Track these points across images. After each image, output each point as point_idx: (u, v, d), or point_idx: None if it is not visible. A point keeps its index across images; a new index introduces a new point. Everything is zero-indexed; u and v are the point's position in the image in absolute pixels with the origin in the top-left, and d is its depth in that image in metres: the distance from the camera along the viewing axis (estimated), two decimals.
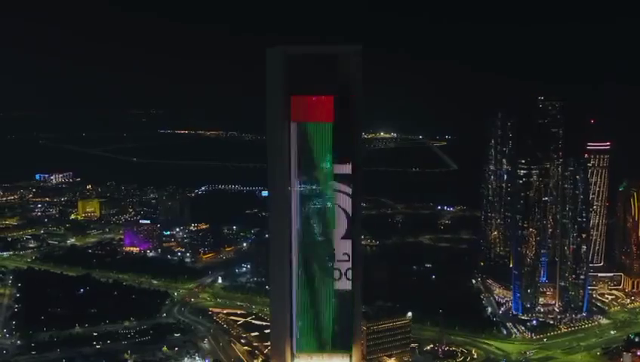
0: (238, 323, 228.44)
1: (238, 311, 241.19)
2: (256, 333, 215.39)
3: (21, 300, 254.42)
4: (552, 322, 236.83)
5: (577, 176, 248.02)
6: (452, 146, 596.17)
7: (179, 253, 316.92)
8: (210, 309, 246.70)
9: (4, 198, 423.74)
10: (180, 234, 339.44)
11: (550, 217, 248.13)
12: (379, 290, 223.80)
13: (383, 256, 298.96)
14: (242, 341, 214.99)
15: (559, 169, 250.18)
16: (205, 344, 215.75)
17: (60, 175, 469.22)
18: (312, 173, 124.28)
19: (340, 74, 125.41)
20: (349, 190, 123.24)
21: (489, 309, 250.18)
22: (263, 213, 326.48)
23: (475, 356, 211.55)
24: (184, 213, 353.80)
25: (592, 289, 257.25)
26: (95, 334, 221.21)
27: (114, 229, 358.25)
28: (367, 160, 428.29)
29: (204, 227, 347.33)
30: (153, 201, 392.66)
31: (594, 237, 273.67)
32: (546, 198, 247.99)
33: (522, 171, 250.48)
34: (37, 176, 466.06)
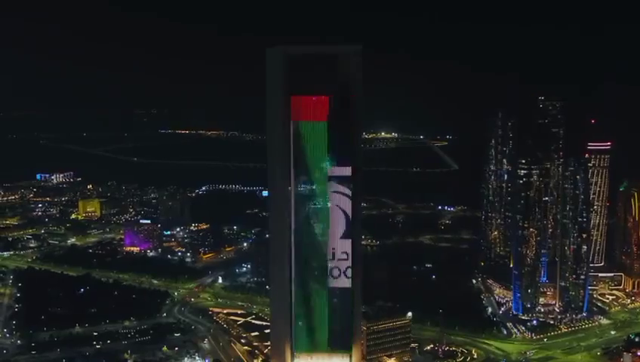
0: (238, 323, 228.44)
1: (238, 311, 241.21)
2: (257, 333, 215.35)
3: (21, 300, 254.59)
4: (552, 322, 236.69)
5: (578, 176, 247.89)
6: (453, 146, 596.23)
7: (179, 253, 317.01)
8: (211, 309, 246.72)
9: (5, 198, 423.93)
10: (181, 234, 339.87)
11: (550, 217, 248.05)
12: (379, 290, 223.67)
13: (384, 255, 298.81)
14: (242, 341, 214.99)
15: (560, 169, 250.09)
16: (205, 344, 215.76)
17: (61, 175, 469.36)
18: (307, 172, 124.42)
19: (339, 74, 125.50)
20: (348, 190, 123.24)
21: (489, 309, 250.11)
22: (264, 213, 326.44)
23: (475, 356, 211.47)
24: (184, 213, 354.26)
25: (593, 290, 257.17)
26: (95, 334, 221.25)
27: (114, 229, 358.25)
28: (368, 160, 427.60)
29: (204, 227, 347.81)
30: (154, 201, 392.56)
31: (594, 237, 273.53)
32: (547, 198, 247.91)
33: (522, 171, 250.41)
34: (38, 176, 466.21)
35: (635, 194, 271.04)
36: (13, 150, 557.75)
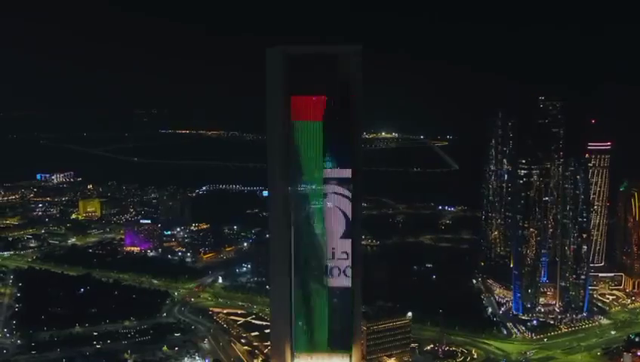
0: (238, 322, 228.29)
1: (239, 311, 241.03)
2: (257, 333, 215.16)
3: (22, 300, 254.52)
4: (552, 322, 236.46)
5: (578, 176, 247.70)
6: (453, 146, 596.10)
7: (179, 253, 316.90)
8: (211, 309, 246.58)
9: (6, 198, 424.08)
10: (181, 233, 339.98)
11: (551, 217, 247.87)
12: (379, 290, 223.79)
13: (384, 256, 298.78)
14: (242, 341, 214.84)
15: (560, 169, 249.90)
16: (205, 344, 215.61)
17: (61, 175, 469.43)
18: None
19: (339, 74, 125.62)
20: (347, 190, 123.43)
21: (489, 309, 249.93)
22: (264, 213, 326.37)
23: (475, 356, 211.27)
24: (185, 213, 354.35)
25: (593, 290, 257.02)
26: (95, 334, 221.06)
27: (115, 229, 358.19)
28: (368, 160, 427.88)
29: (204, 227, 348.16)
30: (154, 201, 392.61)
31: (595, 238, 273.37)
32: (547, 198, 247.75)
33: (523, 171, 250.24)
34: (38, 176, 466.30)
35: (636, 194, 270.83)
36: (14, 150, 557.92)
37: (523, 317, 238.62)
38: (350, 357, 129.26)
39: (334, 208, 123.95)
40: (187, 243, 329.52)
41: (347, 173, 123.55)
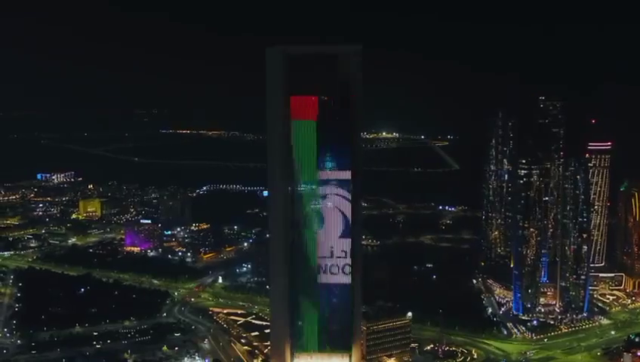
0: (238, 322, 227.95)
1: (239, 311, 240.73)
2: (257, 333, 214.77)
3: (22, 300, 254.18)
4: (552, 322, 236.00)
5: (578, 176, 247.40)
6: (454, 146, 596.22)
7: (180, 253, 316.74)
8: (211, 309, 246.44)
9: (6, 198, 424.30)
10: (181, 233, 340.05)
11: (551, 217, 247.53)
12: (379, 290, 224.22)
13: (384, 256, 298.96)
14: (242, 340, 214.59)
15: (560, 169, 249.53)
16: (205, 344, 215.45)
17: (62, 175, 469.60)
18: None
19: (339, 74, 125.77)
20: (346, 191, 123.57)
21: (489, 309, 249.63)
22: (264, 213, 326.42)
23: (475, 356, 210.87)
24: (185, 213, 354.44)
25: (593, 290, 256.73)
26: (95, 334, 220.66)
27: (115, 229, 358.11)
28: (369, 160, 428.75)
29: (205, 227, 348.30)
30: (154, 201, 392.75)
31: (595, 238, 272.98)
32: (547, 198, 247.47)
33: (523, 171, 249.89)
34: (38, 176, 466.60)
35: (636, 194, 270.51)
36: (14, 150, 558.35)
37: (523, 317, 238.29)
38: (350, 356, 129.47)
39: (334, 208, 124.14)
40: (187, 243, 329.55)
41: (347, 172, 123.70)
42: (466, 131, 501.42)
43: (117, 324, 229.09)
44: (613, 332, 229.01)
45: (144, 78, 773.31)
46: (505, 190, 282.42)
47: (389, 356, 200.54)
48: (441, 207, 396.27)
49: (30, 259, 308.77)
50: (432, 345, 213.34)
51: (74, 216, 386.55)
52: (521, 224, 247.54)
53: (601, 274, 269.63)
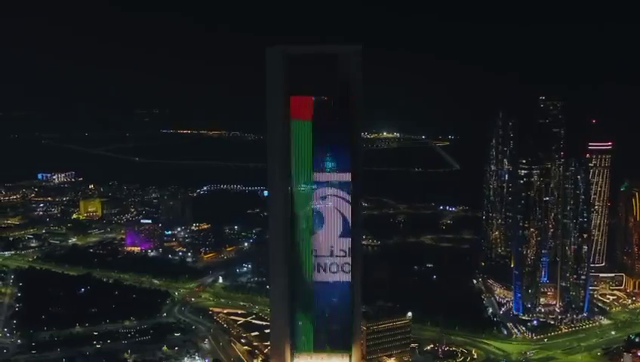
0: (238, 322, 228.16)
1: (239, 311, 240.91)
2: (257, 333, 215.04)
3: (22, 299, 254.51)
4: (552, 322, 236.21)
5: (578, 176, 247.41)
6: (454, 146, 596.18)
7: (180, 253, 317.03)
8: (211, 309, 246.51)
9: (7, 198, 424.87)
10: (182, 233, 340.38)
11: (551, 217, 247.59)
12: (379, 290, 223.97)
13: (384, 255, 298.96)
14: (242, 340, 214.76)
15: (560, 169, 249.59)
16: (205, 344, 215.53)
17: (62, 174, 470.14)
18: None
19: (339, 74, 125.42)
20: (347, 190, 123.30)
21: (490, 309, 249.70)
22: (265, 213, 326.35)
23: (475, 356, 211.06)
24: (185, 213, 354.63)
25: (594, 290, 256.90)
26: (95, 333, 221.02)
27: (115, 229, 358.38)
28: (369, 160, 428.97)
29: (205, 227, 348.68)
30: (155, 201, 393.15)
31: (595, 238, 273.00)
32: (547, 198, 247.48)
33: (523, 171, 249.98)
34: (39, 176, 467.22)
35: (636, 194, 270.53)
36: (15, 150, 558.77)
37: (523, 318, 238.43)
38: (350, 356, 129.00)
39: (333, 208, 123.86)
40: (188, 243, 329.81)
41: (347, 172, 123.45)
42: (466, 131, 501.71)
43: (117, 324, 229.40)
44: (613, 333, 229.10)
45: (144, 77, 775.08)
46: (505, 190, 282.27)
47: (389, 356, 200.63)
48: (441, 207, 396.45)
49: (30, 259, 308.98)
50: (432, 345, 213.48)
51: (74, 215, 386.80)
52: (521, 224, 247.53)
53: (601, 274, 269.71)
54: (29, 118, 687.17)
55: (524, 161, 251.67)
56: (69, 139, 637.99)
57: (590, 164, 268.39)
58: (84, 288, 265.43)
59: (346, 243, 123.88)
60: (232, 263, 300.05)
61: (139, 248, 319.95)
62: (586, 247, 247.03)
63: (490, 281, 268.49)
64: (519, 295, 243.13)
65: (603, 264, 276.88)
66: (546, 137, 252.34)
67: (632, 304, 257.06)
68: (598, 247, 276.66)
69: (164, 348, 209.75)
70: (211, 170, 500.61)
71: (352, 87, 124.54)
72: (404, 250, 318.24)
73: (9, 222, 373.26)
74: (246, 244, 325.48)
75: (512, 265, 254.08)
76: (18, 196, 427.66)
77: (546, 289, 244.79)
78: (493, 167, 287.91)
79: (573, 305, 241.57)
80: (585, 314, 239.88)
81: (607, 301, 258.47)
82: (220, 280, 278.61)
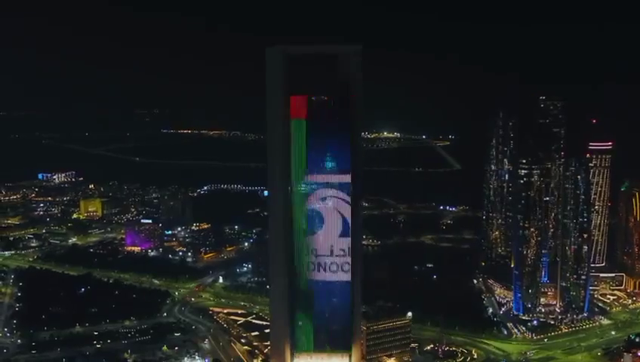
0: (238, 322, 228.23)
1: (239, 311, 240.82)
2: (257, 333, 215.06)
3: (22, 299, 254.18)
4: (553, 322, 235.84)
5: (579, 176, 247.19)
6: (455, 146, 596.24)
7: (180, 253, 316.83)
8: (211, 309, 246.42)
9: (7, 198, 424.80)
10: (182, 233, 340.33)
11: (551, 217, 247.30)
12: (379, 290, 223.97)
13: (385, 255, 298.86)
14: (242, 340, 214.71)
15: (560, 169, 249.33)
16: (205, 343, 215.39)
17: (63, 174, 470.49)
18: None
19: (339, 74, 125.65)
20: (346, 190, 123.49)
21: (490, 309, 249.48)
22: (265, 213, 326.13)
23: (475, 356, 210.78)
24: (186, 213, 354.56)
25: (594, 290, 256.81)
26: (95, 333, 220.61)
27: (116, 229, 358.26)
28: (370, 159, 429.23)
29: (205, 227, 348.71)
30: (155, 201, 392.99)
31: (596, 238, 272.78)
32: (547, 198, 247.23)
33: (523, 171, 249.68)
34: (39, 176, 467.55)
35: (637, 194, 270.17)
36: (15, 150, 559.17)
37: (523, 318, 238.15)
38: (350, 356, 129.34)
39: (333, 208, 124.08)
40: (188, 242, 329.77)
41: (347, 173, 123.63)
42: (466, 131, 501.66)
43: (117, 324, 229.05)
44: (613, 333, 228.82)
45: (144, 77, 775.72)
46: (505, 190, 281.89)
47: (389, 356, 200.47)
48: (441, 207, 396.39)
49: (31, 259, 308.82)
50: (432, 345, 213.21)
51: (75, 215, 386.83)
52: (521, 224, 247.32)
53: (601, 274, 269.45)
54: (29, 118, 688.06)
55: (524, 161, 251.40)
56: (70, 139, 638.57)
57: (590, 164, 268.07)
58: (84, 288, 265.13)
59: (346, 242, 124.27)
60: (232, 263, 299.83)
61: (139, 248, 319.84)
62: (586, 247, 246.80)
63: (491, 281, 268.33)
64: (519, 295, 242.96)
65: (603, 264, 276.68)
66: (546, 137, 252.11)
67: (632, 304, 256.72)
68: (599, 247, 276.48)
69: (164, 347, 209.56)
70: (212, 170, 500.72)
71: (352, 87, 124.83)
72: (404, 249, 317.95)
73: (9, 221, 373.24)
74: (246, 244, 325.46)
75: (512, 265, 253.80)
76: (18, 196, 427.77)
77: (546, 289, 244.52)
78: (493, 167, 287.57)
79: (574, 305, 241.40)
80: (585, 314, 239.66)
81: (608, 301, 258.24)
82: (220, 280, 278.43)
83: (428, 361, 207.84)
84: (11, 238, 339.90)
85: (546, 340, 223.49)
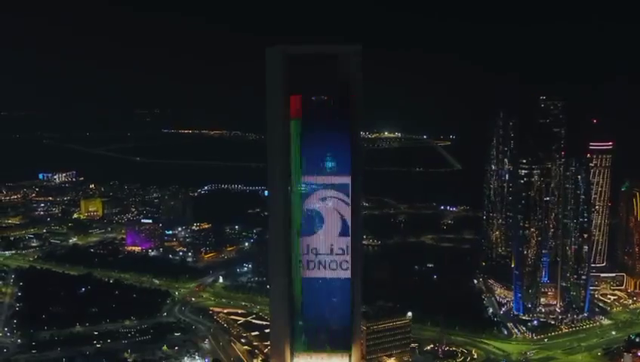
0: (239, 322, 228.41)
1: (239, 311, 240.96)
2: (257, 333, 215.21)
3: (22, 299, 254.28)
4: (553, 322, 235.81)
5: (579, 176, 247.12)
6: (455, 146, 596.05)
7: (180, 253, 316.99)
8: (211, 309, 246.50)
9: (8, 197, 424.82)
10: (182, 233, 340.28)
11: (552, 217, 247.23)
12: (379, 290, 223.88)
13: (385, 255, 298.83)
14: (242, 340, 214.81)
15: (561, 169, 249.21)
16: (205, 343, 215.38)
17: (63, 174, 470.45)
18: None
19: (339, 74, 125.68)
20: (346, 190, 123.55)
21: (490, 309, 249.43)
22: (265, 213, 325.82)
23: (475, 356, 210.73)
24: (186, 213, 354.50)
25: (595, 290, 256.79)
26: (96, 333, 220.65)
27: (116, 228, 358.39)
28: (371, 159, 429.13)
29: (206, 226, 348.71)
30: (156, 201, 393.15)
31: (596, 238, 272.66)
32: (548, 198, 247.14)
33: (524, 171, 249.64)
34: (40, 176, 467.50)
35: (637, 194, 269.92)
36: (16, 149, 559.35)
37: (524, 318, 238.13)
38: (350, 356, 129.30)
39: (332, 208, 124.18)
40: (188, 242, 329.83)
41: (347, 174, 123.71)
42: (467, 131, 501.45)
43: (117, 324, 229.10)
44: (613, 333, 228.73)
45: (144, 77, 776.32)
46: (506, 190, 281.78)
47: (389, 356, 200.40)
48: (442, 207, 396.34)
49: (31, 259, 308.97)
50: (432, 345, 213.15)
51: (75, 215, 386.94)
52: (521, 224, 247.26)
53: (602, 275, 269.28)
54: (29, 118, 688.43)
55: (524, 161, 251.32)
56: (70, 138, 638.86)
57: (591, 164, 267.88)
58: (84, 288, 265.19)
59: (345, 241, 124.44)
60: (232, 263, 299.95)
61: (139, 248, 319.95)
62: (586, 247, 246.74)
63: (491, 281, 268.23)
64: (520, 295, 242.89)
65: (604, 264, 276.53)
66: (547, 137, 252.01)
67: (632, 304, 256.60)
68: (599, 247, 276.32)
69: (164, 347, 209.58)
70: (212, 170, 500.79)
71: (352, 87, 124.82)
72: (404, 249, 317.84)
73: (10, 221, 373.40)
74: (246, 244, 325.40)
75: (512, 265, 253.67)
76: (19, 196, 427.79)
77: (546, 289, 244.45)
78: (493, 167, 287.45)
79: (574, 305, 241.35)
80: (585, 314, 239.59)
81: (608, 301, 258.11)
82: (221, 279, 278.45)
83: (428, 361, 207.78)
84: (12, 238, 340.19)
85: (546, 340, 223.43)
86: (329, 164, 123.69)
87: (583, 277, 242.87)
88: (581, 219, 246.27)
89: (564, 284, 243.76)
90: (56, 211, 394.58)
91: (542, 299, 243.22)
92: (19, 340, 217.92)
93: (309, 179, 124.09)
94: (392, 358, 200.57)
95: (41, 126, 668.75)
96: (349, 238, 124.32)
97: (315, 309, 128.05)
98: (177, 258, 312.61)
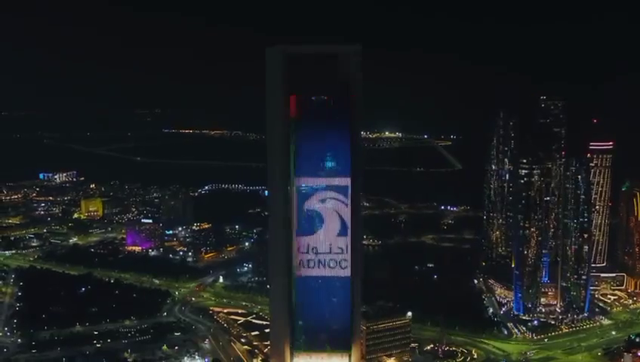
0: (239, 322, 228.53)
1: (239, 311, 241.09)
2: (257, 332, 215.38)
3: (22, 299, 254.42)
4: (553, 322, 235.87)
5: (579, 176, 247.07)
6: (456, 146, 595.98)
7: (181, 253, 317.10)
8: (211, 308, 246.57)
9: (8, 197, 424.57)
10: (182, 233, 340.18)
11: (552, 217, 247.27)
12: (379, 290, 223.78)
13: (385, 255, 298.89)
14: (242, 340, 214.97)
15: (561, 169, 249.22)
16: (205, 343, 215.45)
17: (64, 174, 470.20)
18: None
19: (339, 74, 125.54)
20: (345, 190, 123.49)
21: (490, 309, 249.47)
22: (266, 213, 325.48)
23: (475, 356, 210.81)
24: (187, 213, 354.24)
25: (595, 290, 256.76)
26: (96, 333, 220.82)
27: (116, 228, 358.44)
28: (371, 159, 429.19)
29: (206, 226, 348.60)
30: (156, 201, 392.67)
31: (597, 238, 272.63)
32: (548, 198, 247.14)
33: (524, 171, 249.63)
34: (40, 175, 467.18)
35: (637, 194, 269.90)
36: (17, 149, 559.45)
37: (524, 317, 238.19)
38: (350, 356, 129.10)
39: (332, 208, 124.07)
40: (189, 242, 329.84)
41: (347, 172, 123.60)
42: (467, 131, 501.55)
43: (117, 323, 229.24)
44: (614, 333, 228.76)
45: (144, 77, 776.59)
46: (506, 190, 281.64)
47: (389, 356, 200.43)
48: (442, 207, 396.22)
49: (31, 259, 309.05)
50: (432, 345, 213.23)
51: (75, 215, 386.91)
52: (522, 224, 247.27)
53: (602, 275, 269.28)
54: (29, 118, 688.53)
55: (524, 161, 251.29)
56: (70, 138, 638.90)
57: (591, 164, 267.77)
58: (84, 287, 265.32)
59: (344, 241, 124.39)
60: (232, 263, 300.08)
61: (140, 248, 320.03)
62: (586, 247, 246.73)
63: (491, 281, 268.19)
64: (520, 295, 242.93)
65: (604, 264, 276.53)
66: (547, 137, 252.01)
67: (632, 304, 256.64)
68: (599, 247, 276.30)
69: (164, 347, 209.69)
70: (212, 170, 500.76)
71: (352, 87, 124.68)
72: (405, 249, 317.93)
73: (10, 221, 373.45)
74: (247, 244, 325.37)
75: (512, 265, 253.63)
76: (19, 195, 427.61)
77: (546, 289, 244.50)
78: (494, 167, 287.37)
79: (574, 305, 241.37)
80: (585, 314, 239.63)
81: (608, 301, 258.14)
82: (221, 279, 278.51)
83: (428, 361, 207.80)
84: (12, 238, 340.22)
85: (546, 340, 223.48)
86: (329, 164, 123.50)
87: (583, 277, 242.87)
88: (581, 219, 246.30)
89: (564, 284, 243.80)
90: (57, 211, 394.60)
91: (542, 299, 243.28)
92: (19, 340, 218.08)
93: (309, 179, 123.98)
94: (392, 358, 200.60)
95: (41, 126, 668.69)
96: (348, 238, 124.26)
97: (315, 309, 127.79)
98: (177, 258, 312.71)
